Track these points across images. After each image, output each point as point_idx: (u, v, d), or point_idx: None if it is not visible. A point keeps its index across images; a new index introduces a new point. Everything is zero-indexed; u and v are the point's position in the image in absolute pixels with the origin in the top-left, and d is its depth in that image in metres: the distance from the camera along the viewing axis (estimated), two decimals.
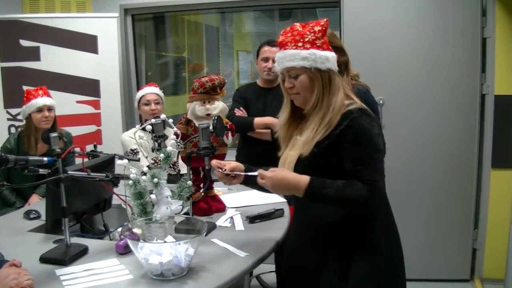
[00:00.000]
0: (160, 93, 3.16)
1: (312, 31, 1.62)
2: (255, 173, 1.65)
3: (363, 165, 1.54)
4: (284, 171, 1.61)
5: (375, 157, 1.56)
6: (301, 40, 1.61)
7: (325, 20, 1.65)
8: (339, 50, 2.43)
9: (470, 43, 3.33)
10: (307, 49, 1.60)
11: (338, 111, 1.60)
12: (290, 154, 1.69)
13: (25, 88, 3.77)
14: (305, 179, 1.55)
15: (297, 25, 1.67)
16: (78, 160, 2.82)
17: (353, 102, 1.65)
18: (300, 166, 1.61)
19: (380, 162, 1.58)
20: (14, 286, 1.43)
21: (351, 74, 2.52)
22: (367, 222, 1.63)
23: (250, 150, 3.19)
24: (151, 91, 3.12)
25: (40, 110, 3.02)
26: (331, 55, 1.62)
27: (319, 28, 1.63)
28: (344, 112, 1.60)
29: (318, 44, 1.61)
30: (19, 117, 3.73)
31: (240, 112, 3.15)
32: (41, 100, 3.02)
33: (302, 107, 1.71)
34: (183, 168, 2.12)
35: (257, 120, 3.07)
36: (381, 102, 3.44)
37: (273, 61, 3.13)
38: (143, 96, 3.12)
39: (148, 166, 1.88)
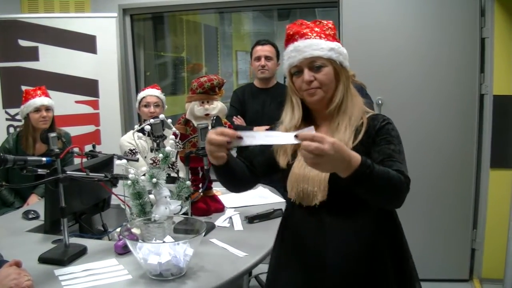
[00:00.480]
0: (161, 96, 3.16)
1: (328, 27, 1.51)
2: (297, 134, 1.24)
3: (396, 159, 1.42)
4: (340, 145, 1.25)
5: (405, 158, 1.46)
6: (322, 32, 1.49)
7: (331, 21, 1.55)
8: None
9: (468, 43, 3.33)
10: (331, 41, 1.49)
11: (362, 115, 1.51)
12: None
13: (23, 88, 3.77)
14: (357, 155, 1.27)
15: (305, 21, 1.55)
16: (77, 160, 2.82)
17: (367, 109, 1.56)
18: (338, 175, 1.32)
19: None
20: (14, 286, 1.43)
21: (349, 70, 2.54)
22: (397, 232, 1.58)
23: None
24: (151, 93, 3.12)
25: (37, 110, 3.02)
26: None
27: (331, 25, 1.53)
28: (371, 116, 1.51)
29: (337, 39, 1.52)
30: (18, 117, 3.73)
31: (238, 121, 3.16)
32: (38, 100, 3.02)
33: (316, 106, 1.54)
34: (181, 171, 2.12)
35: (256, 130, 3.06)
36: (380, 102, 3.44)
37: (265, 58, 3.17)
38: (143, 98, 3.12)
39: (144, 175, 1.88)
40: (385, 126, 1.49)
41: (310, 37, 1.48)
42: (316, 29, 1.50)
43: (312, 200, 1.48)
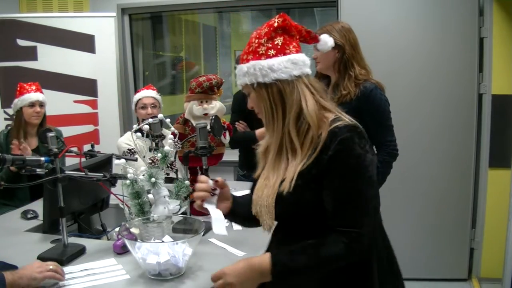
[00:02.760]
0: (157, 96, 3.12)
1: (258, 36, 1.32)
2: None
3: (345, 209, 1.22)
4: (243, 260, 1.28)
5: (367, 196, 1.23)
6: (247, 49, 1.33)
7: (278, 16, 1.32)
8: (335, 47, 2.35)
9: (467, 42, 3.33)
10: (248, 61, 1.30)
11: (320, 127, 1.27)
12: (265, 191, 1.33)
13: None
14: (266, 258, 1.23)
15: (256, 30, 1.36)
16: (75, 160, 2.81)
17: (339, 117, 1.29)
18: (283, 205, 1.28)
19: (372, 198, 1.25)
20: (39, 274, 1.51)
21: (355, 74, 2.33)
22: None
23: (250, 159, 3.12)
24: (147, 94, 3.09)
25: (32, 105, 3.04)
26: (278, 61, 1.27)
27: (266, 30, 1.31)
28: (333, 129, 1.24)
29: (261, 52, 1.29)
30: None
31: (241, 126, 3.05)
32: (34, 96, 3.05)
33: None
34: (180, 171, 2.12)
35: (258, 132, 2.94)
36: None
37: None
38: (139, 99, 3.10)
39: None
40: (338, 153, 1.21)
41: (242, 63, 1.34)
42: (246, 47, 1.34)
43: (264, 226, 1.37)
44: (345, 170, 1.22)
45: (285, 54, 1.28)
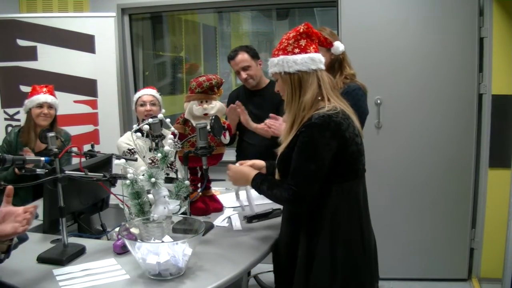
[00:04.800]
0: (157, 95, 3.14)
1: (286, 38, 1.75)
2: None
3: (293, 173, 1.68)
4: (240, 166, 1.96)
5: (308, 168, 1.65)
6: (278, 47, 1.76)
7: (303, 24, 1.75)
8: (328, 49, 2.40)
9: (467, 42, 3.33)
10: (278, 56, 1.74)
11: (308, 112, 1.69)
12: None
13: (22, 87, 3.78)
14: (254, 173, 1.86)
15: (285, 34, 1.79)
16: (75, 160, 2.82)
17: (325, 106, 1.68)
18: (279, 163, 1.80)
19: (314, 173, 1.65)
20: (11, 231, 1.43)
21: (346, 73, 2.47)
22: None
23: (248, 151, 3.13)
24: (147, 92, 3.13)
25: (40, 106, 3.05)
26: (301, 57, 1.70)
27: (294, 34, 1.74)
28: (309, 116, 1.67)
29: (289, 50, 1.72)
30: (16, 116, 3.75)
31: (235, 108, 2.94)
32: (42, 97, 3.06)
33: None
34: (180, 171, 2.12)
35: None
36: (379, 102, 3.44)
37: (243, 70, 3.04)
38: (139, 97, 3.12)
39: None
40: (301, 133, 1.67)
41: (273, 57, 1.77)
42: (277, 45, 1.77)
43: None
44: (298, 147, 1.67)
45: (306, 52, 1.71)
